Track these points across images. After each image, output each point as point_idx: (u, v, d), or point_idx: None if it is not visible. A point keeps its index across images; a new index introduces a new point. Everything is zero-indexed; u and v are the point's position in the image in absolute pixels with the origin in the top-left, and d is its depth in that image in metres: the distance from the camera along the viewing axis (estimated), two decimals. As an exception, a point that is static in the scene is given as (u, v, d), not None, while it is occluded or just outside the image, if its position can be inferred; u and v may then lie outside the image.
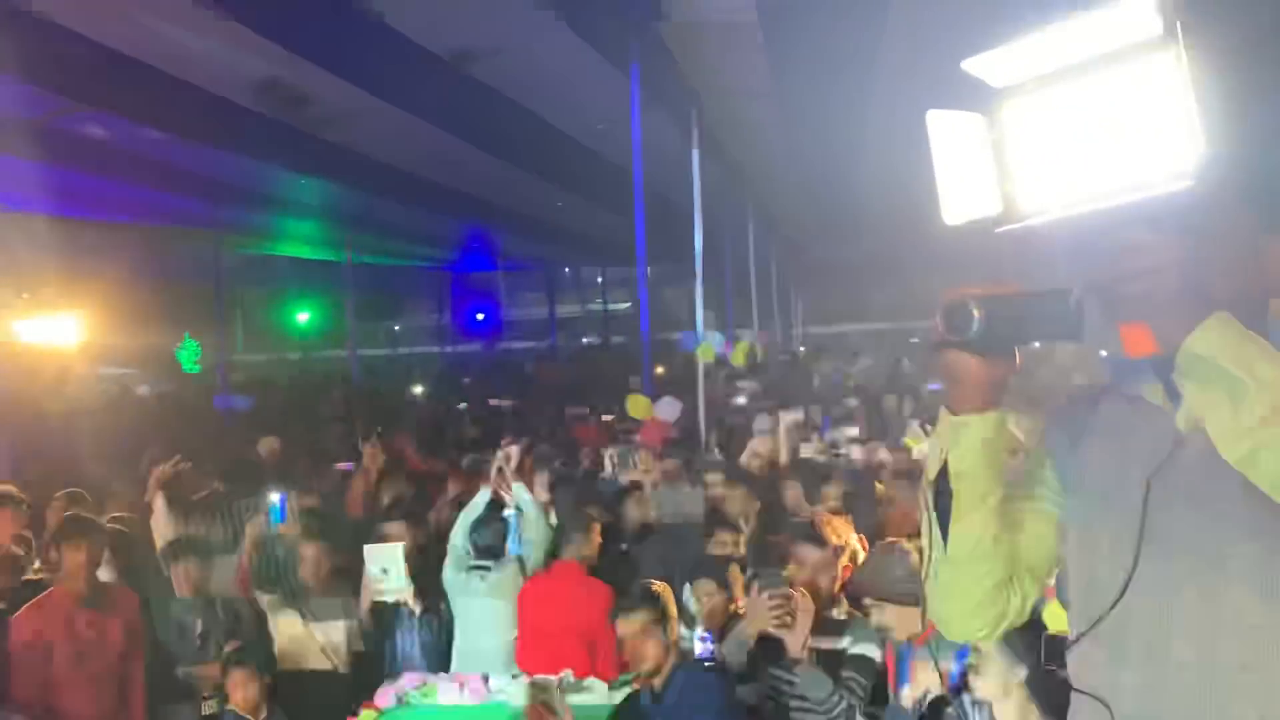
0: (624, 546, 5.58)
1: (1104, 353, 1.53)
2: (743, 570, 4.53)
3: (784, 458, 7.63)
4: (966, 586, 1.58)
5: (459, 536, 5.19)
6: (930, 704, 2.69)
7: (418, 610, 5.05)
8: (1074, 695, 1.56)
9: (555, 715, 3.16)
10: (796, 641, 3.48)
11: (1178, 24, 1.21)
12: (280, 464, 7.99)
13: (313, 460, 8.35)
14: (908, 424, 8.61)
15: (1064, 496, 1.61)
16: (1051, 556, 1.62)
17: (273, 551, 5.46)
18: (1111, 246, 1.31)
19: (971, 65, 1.37)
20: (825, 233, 22.21)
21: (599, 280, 29.20)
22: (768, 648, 3.61)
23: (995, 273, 1.69)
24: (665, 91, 10.12)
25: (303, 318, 23.17)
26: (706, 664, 3.76)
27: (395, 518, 5.47)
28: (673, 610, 3.61)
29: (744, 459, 7.63)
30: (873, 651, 3.66)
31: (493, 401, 14.22)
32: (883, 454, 7.55)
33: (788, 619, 3.49)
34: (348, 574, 5.15)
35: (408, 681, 4.72)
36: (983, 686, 2.80)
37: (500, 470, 5.28)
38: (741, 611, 4.21)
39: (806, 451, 7.90)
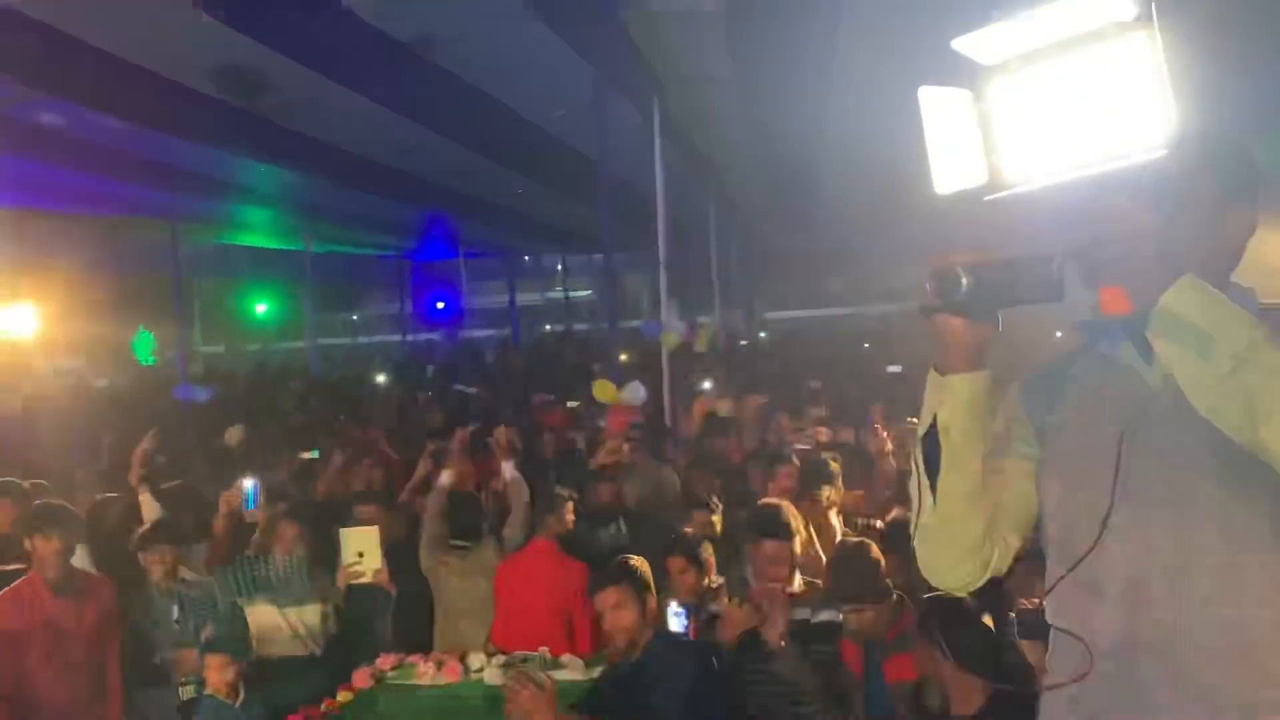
0: (599, 527, 5.65)
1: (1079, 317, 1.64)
2: (714, 546, 4.65)
3: (748, 441, 7.76)
4: (954, 536, 1.69)
5: (435, 517, 5.23)
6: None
7: (393, 592, 5.09)
8: (1053, 633, 1.67)
9: (537, 685, 3.21)
10: (775, 633, 3.59)
11: (1152, 6, 1.31)
12: (246, 453, 7.95)
13: (276, 449, 8.32)
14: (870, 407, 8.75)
15: (1042, 452, 1.72)
16: (1031, 508, 1.73)
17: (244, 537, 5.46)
18: (1091, 214, 1.42)
19: (961, 44, 1.46)
20: (784, 220, 22.37)
21: (559, 268, 29.21)
22: (745, 639, 3.73)
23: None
24: (627, 78, 10.15)
25: (261, 308, 22.93)
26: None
27: (367, 501, 5.50)
28: (650, 583, 3.69)
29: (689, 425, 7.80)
30: (835, 617, 3.81)
31: (458, 387, 14.21)
32: (845, 435, 7.68)
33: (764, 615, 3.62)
34: (322, 557, 5.17)
35: (384, 662, 4.76)
36: None
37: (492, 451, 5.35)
38: (714, 585, 4.33)
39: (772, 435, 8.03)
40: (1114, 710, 1.57)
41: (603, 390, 9.30)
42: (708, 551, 4.45)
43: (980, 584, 1.75)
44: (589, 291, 30.13)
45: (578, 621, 4.80)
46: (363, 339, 28.99)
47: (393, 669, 4.73)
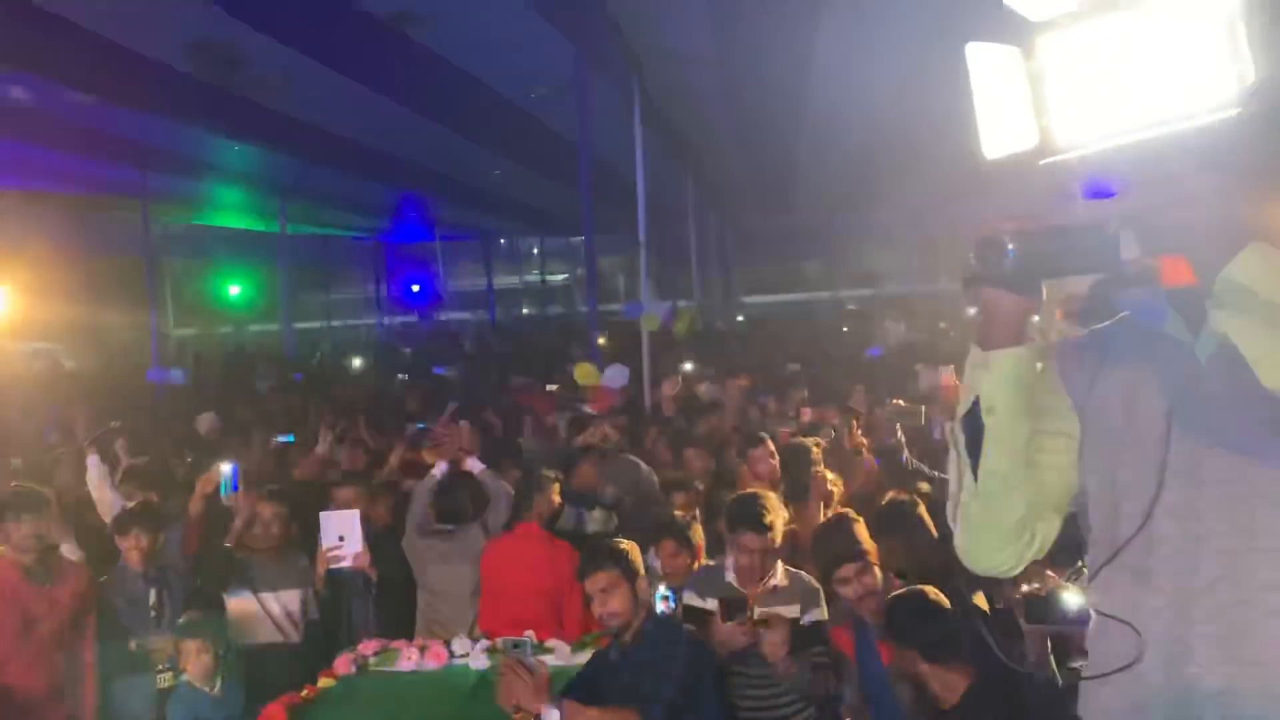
0: (583, 509, 5.59)
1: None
2: (701, 524, 4.63)
3: (731, 421, 7.72)
4: (996, 519, 1.60)
5: (419, 502, 5.16)
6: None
7: (374, 576, 5.01)
8: (1099, 619, 1.61)
9: (529, 670, 3.14)
10: (775, 649, 3.54)
11: None
12: (220, 438, 7.83)
13: (250, 434, 8.19)
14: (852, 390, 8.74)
15: (1083, 431, 1.63)
16: (1070, 489, 1.65)
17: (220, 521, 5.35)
18: (1149, 178, 1.33)
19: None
20: (762, 203, 22.35)
21: (535, 251, 29.07)
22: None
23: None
24: (608, 56, 10.04)
25: (235, 290, 22.65)
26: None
27: (347, 483, 5.41)
28: (640, 566, 3.62)
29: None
30: (822, 615, 3.83)
31: (437, 370, 14.10)
32: (830, 415, 7.65)
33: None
34: (301, 542, 5.08)
35: (367, 648, 4.67)
36: None
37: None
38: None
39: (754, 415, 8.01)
40: (1164, 700, 1.50)
41: (584, 373, 9.26)
42: (698, 535, 4.43)
43: (1022, 568, 1.66)
44: (565, 275, 30.03)
45: (566, 605, 4.73)
46: (338, 322, 28.74)
47: (375, 655, 4.64)
